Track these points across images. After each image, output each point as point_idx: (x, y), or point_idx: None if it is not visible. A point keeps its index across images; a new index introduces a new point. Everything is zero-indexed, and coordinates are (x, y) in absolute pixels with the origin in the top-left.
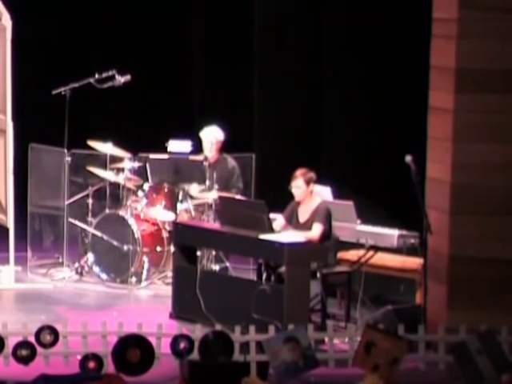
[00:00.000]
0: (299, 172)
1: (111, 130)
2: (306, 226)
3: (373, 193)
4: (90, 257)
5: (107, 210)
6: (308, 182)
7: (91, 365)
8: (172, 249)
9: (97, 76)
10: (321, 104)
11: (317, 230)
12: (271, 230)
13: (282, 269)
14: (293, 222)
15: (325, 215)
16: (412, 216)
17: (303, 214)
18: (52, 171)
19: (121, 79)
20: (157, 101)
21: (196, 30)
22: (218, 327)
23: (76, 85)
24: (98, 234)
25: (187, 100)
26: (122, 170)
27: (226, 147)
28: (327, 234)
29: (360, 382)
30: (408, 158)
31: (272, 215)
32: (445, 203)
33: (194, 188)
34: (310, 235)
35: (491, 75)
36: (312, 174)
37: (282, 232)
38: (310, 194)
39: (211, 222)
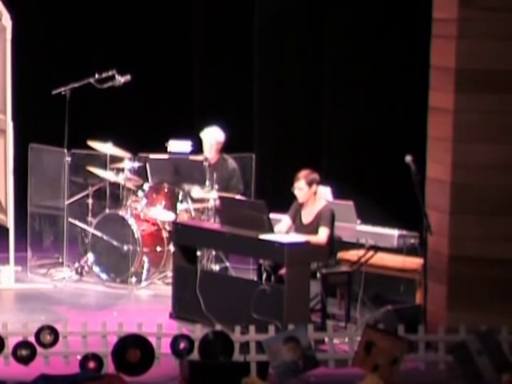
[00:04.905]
0: (302, 174)
1: (111, 130)
2: (310, 228)
3: (373, 193)
4: (90, 257)
5: (107, 210)
6: (310, 184)
7: (91, 365)
8: (172, 249)
9: (97, 76)
10: (321, 104)
11: (323, 234)
12: (271, 230)
13: (283, 270)
14: (296, 223)
15: (330, 219)
16: (412, 216)
17: (307, 216)
18: (52, 171)
19: (121, 79)
20: (157, 101)
21: (196, 31)
22: (218, 327)
23: (76, 85)
24: (98, 234)
25: (187, 100)
26: (122, 170)
27: (226, 147)
28: (332, 238)
29: (360, 382)
30: (408, 158)
31: (277, 216)
32: (445, 203)
33: (195, 190)
34: (317, 240)
35: (491, 75)
36: (315, 176)
37: (289, 233)
38: (314, 195)
39: (211, 222)
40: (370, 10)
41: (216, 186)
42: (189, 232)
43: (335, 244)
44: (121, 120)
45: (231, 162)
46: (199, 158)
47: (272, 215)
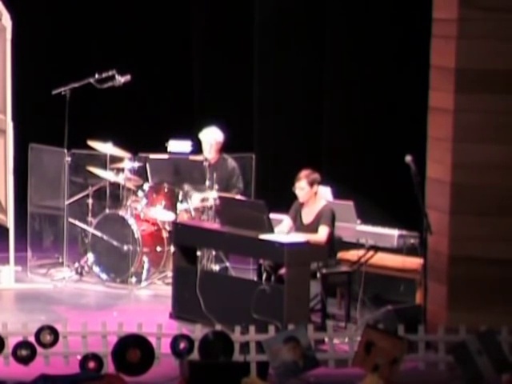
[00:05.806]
0: (303, 173)
1: (111, 130)
2: (310, 228)
3: (373, 193)
4: (90, 257)
5: (107, 210)
6: (311, 184)
7: (91, 365)
8: (172, 249)
9: (97, 76)
10: (321, 104)
11: (323, 233)
12: (271, 230)
13: (282, 270)
14: (296, 223)
15: (330, 218)
16: (412, 216)
17: (307, 216)
18: (52, 171)
19: (121, 79)
20: (157, 101)
21: (196, 30)
22: (218, 327)
23: (76, 85)
24: (98, 234)
25: (187, 100)
26: (122, 170)
27: (226, 147)
28: (332, 237)
29: (360, 382)
30: (408, 158)
31: (278, 216)
32: (445, 203)
33: (195, 197)
34: (317, 238)
35: (491, 75)
36: (316, 176)
37: (290, 233)
38: (314, 195)
39: (211, 222)
40: (370, 10)
41: (216, 186)
42: (189, 232)
43: (335, 244)
44: (121, 120)
45: (231, 162)
46: (199, 158)
47: (272, 215)
